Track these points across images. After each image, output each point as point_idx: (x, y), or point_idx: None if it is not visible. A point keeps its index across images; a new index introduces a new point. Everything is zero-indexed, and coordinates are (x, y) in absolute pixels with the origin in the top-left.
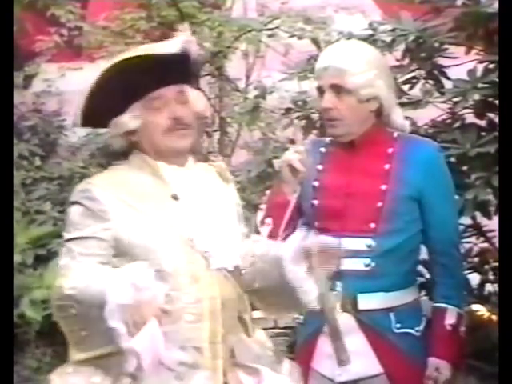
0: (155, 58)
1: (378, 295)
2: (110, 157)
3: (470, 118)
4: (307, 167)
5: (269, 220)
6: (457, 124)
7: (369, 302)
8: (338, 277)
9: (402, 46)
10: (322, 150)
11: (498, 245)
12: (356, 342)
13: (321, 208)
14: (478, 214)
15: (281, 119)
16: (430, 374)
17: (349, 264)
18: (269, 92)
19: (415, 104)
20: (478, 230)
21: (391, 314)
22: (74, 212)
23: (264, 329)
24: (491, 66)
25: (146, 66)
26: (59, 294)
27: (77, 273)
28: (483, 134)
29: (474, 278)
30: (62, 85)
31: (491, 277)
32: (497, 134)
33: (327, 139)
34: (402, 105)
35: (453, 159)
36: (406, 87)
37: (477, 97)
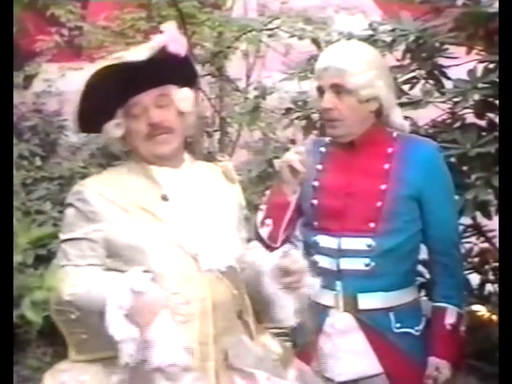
0: (127, 66)
1: (377, 295)
2: (110, 157)
3: (471, 118)
4: (307, 168)
5: (269, 221)
6: (457, 124)
7: (369, 301)
8: (338, 276)
9: (402, 46)
10: (322, 149)
11: (498, 245)
12: (356, 342)
13: (320, 208)
14: (478, 214)
15: (281, 119)
16: (430, 374)
17: (349, 264)
18: (269, 92)
19: (415, 104)
20: (478, 230)
21: (391, 314)
22: (67, 214)
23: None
24: (491, 65)
25: (122, 74)
26: (58, 299)
27: (75, 278)
28: (483, 134)
29: (474, 278)
30: (62, 85)
31: (491, 277)
32: (497, 134)
33: (327, 139)
34: (402, 105)
35: (453, 159)
36: (406, 87)
37: (477, 97)
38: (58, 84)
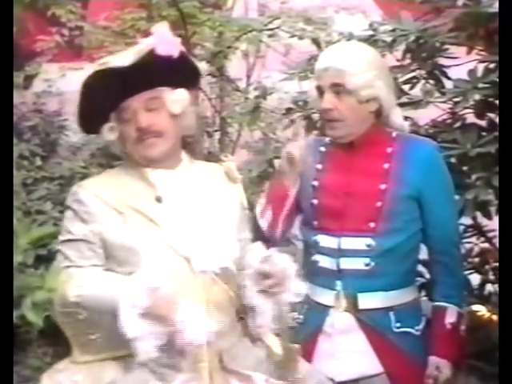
0: (114, 71)
1: (377, 294)
2: (111, 157)
3: (471, 118)
4: (307, 161)
5: (268, 212)
6: (457, 124)
7: (369, 301)
8: (338, 276)
9: (402, 46)
10: (322, 149)
11: (498, 245)
12: (356, 342)
13: (320, 207)
14: (478, 214)
15: (281, 119)
16: (431, 373)
17: (349, 263)
18: (269, 92)
19: (416, 104)
20: (478, 230)
21: (391, 314)
22: (66, 215)
23: None
24: (491, 66)
25: (112, 79)
26: (63, 301)
27: (80, 279)
28: (484, 134)
29: (475, 278)
30: (62, 85)
31: (491, 277)
32: (497, 134)
33: (326, 139)
34: (402, 105)
35: (453, 159)
36: (406, 87)
37: (477, 97)
38: (58, 84)
